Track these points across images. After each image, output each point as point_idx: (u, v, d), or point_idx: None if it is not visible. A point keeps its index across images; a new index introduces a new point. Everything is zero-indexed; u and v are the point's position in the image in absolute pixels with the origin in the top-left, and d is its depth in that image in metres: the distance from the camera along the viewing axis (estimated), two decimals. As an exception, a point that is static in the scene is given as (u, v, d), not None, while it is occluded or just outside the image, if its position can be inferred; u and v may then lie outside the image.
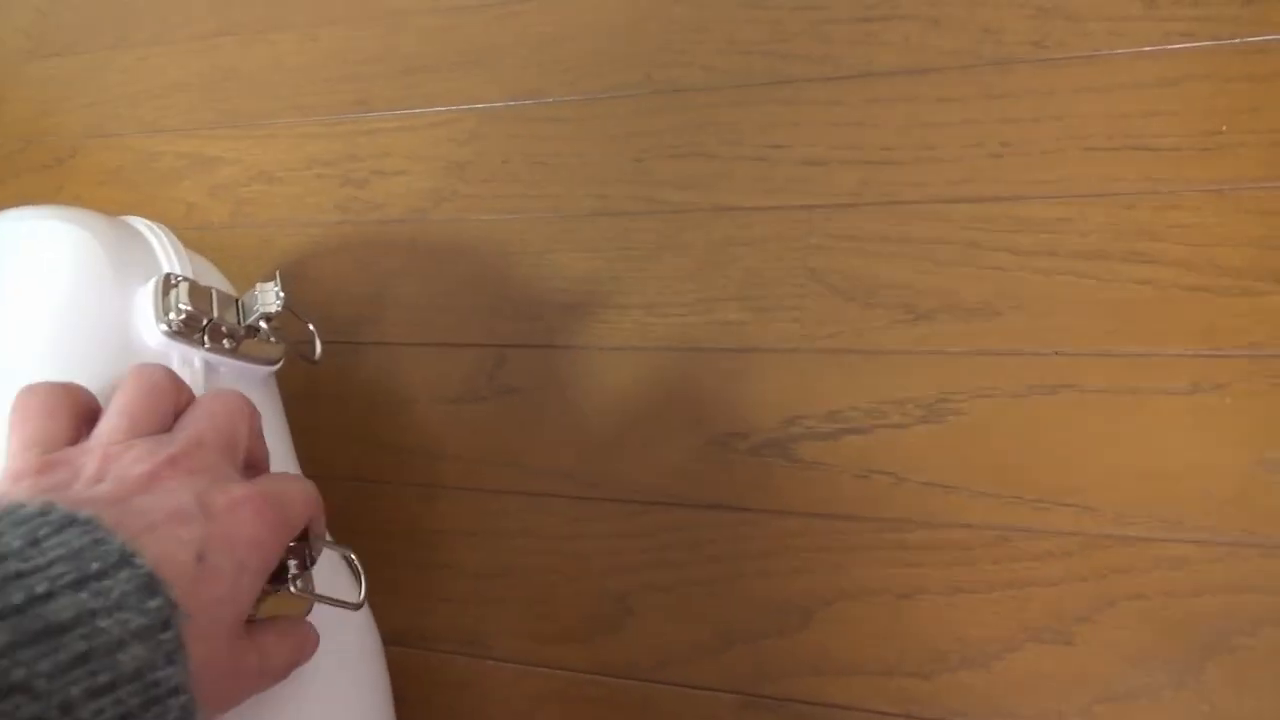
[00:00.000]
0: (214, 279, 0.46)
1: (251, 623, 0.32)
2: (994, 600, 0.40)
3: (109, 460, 0.29)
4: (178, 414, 0.34)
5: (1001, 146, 0.47)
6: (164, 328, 0.40)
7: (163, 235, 0.46)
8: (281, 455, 0.44)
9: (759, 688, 0.41)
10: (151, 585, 0.24)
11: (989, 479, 0.42)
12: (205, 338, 0.42)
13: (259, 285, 0.43)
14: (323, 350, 0.47)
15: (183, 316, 0.41)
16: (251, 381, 0.44)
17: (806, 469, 0.44)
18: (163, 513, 0.27)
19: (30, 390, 0.32)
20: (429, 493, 0.50)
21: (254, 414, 0.35)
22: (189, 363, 0.41)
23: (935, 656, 0.40)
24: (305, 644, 0.35)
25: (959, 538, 0.41)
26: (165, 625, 0.23)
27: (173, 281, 0.42)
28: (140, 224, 0.46)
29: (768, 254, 0.49)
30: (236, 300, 0.44)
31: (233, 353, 0.43)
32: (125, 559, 0.23)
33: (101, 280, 0.41)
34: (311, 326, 0.48)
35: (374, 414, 0.53)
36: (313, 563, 0.36)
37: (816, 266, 0.48)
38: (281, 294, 0.43)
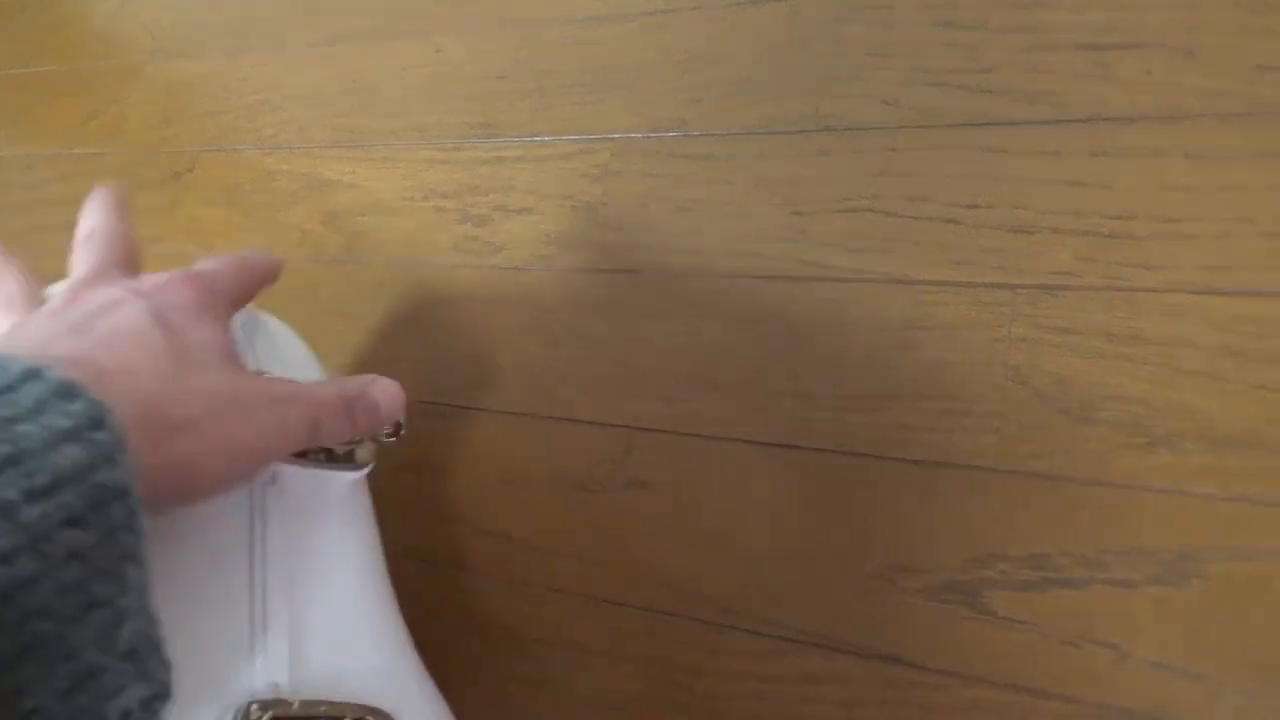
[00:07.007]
0: (313, 372, 0.40)
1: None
2: (1250, 838, 0.31)
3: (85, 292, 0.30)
4: None
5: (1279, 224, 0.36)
6: None
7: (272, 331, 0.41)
8: (369, 569, 0.38)
9: None
10: (68, 390, 0.23)
11: (1246, 671, 0.32)
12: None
13: None
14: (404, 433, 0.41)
15: None
16: (339, 485, 0.39)
17: (1000, 626, 0.36)
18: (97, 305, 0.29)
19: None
20: (540, 595, 0.44)
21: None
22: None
23: None
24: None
25: (1203, 745, 0.32)
26: (96, 424, 0.22)
27: None
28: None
29: (957, 344, 0.40)
30: None
31: (323, 463, 0.37)
32: (31, 374, 0.23)
33: None
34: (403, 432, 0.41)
35: (482, 494, 0.47)
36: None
37: (1019, 364, 0.38)
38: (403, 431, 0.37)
